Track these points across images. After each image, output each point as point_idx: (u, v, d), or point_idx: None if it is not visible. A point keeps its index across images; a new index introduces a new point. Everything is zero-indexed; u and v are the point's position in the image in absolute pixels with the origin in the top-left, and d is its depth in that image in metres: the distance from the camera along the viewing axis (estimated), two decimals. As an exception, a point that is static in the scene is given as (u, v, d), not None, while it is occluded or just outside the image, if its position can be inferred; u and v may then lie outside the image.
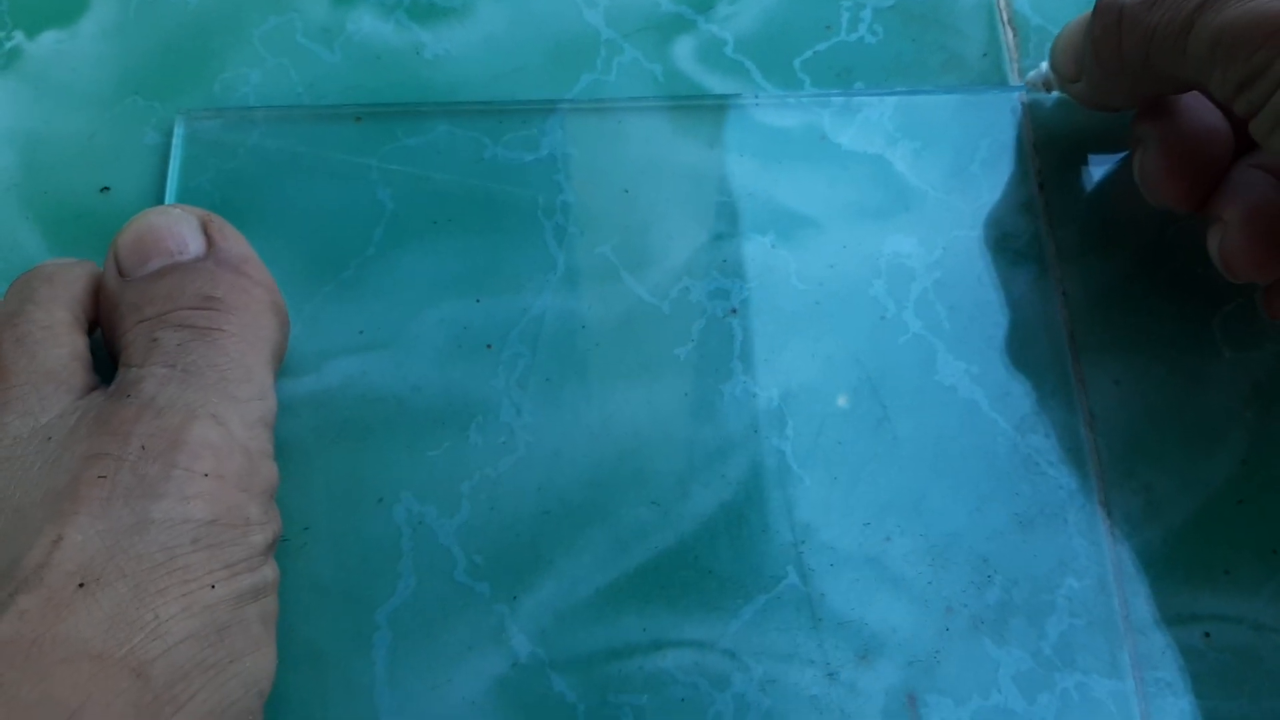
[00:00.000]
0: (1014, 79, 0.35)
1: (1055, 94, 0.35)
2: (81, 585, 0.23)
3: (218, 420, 0.26)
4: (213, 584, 0.24)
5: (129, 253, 0.29)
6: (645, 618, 0.29)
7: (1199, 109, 0.30)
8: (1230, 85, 0.26)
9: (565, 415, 0.31)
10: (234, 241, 0.30)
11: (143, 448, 0.25)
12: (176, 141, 0.34)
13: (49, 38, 0.36)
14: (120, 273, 0.28)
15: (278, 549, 0.28)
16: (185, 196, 0.33)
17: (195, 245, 0.29)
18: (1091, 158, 0.34)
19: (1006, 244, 0.33)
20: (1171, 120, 0.30)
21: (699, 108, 0.35)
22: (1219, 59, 0.25)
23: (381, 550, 0.29)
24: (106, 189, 0.33)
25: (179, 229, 0.29)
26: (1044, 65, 0.34)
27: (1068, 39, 0.32)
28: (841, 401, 0.31)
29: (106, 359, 0.29)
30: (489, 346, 0.32)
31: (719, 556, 0.29)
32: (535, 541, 0.29)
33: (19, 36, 0.36)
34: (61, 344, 0.28)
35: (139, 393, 0.26)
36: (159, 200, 0.33)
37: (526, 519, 0.30)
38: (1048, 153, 0.34)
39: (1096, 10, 0.29)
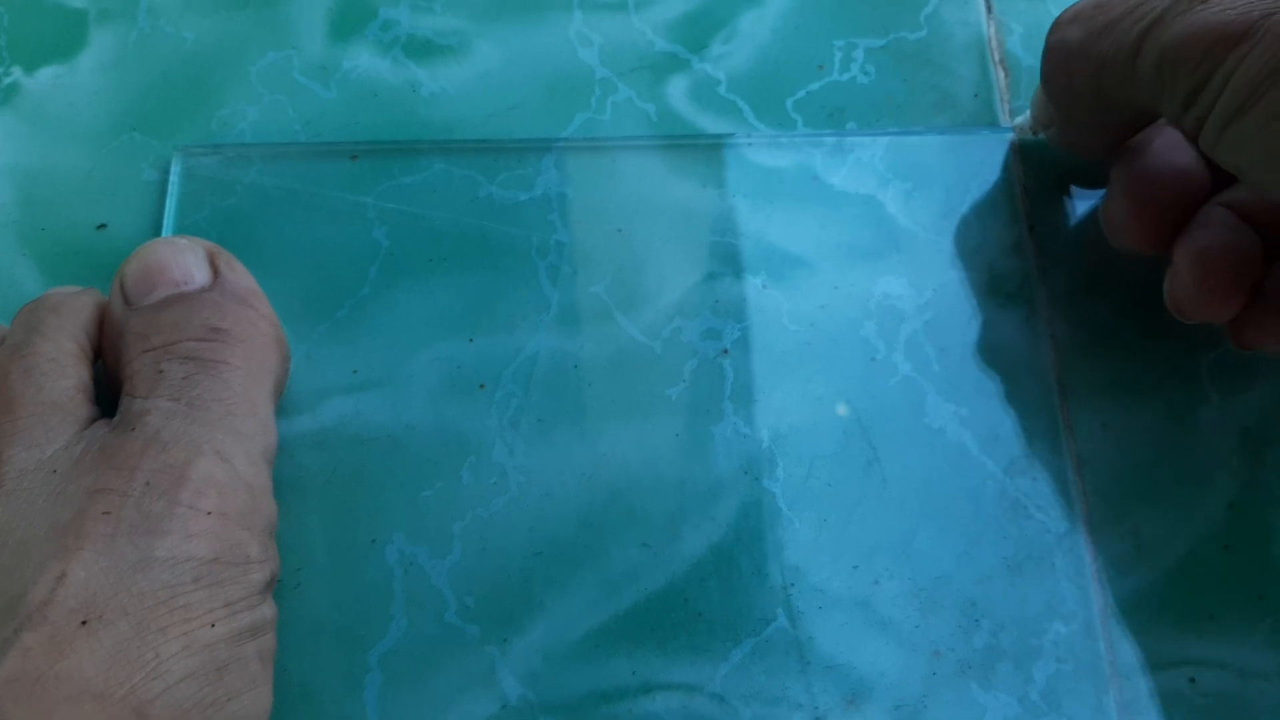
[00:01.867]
0: (1005, 119, 0.36)
1: (1042, 136, 0.35)
2: (84, 623, 0.23)
3: (222, 456, 0.26)
4: (213, 622, 0.25)
5: (135, 281, 0.29)
6: (635, 660, 0.29)
7: (1169, 150, 0.31)
8: (1177, 103, 0.26)
9: (557, 455, 0.31)
10: (240, 274, 0.30)
11: (147, 483, 0.25)
12: (174, 178, 0.34)
13: (47, 73, 0.36)
14: (126, 301, 0.29)
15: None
16: (182, 233, 0.33)
17: (201, 276, 0.29)
18: (1081, 200, 0.35)
19: (996, 286, 0.33)
20: (1135, 162, 0.31)
21: (692, 147, 0.35)
22: (1165, 78, 0.26)
23: (374, 591, 0.29)
24: (103, 226, 0.34)
25: (185, 259, 0.29)
26: (1029, 112, 0.34)
27: (1039, 87, 0.33)
28: (833, 439, 0.31)
29: (104, 386, 0.29)
30: (482, 386, 0.32)
31: (709, 598, 0.30)
32: (526, 583, 0.30)
33: (17, 72, 0.36)
34: (67, 375, 0.28)
35: (144, 426, 0.26)
36: (156, 237, 0.33)
37: (518, 560, 0.30)
38: (1038, 194, 0.35)
39: (1045, 48, 0.30)
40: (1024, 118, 0.35)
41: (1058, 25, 0.29)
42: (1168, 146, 0.31)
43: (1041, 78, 0.30)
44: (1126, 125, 0.30)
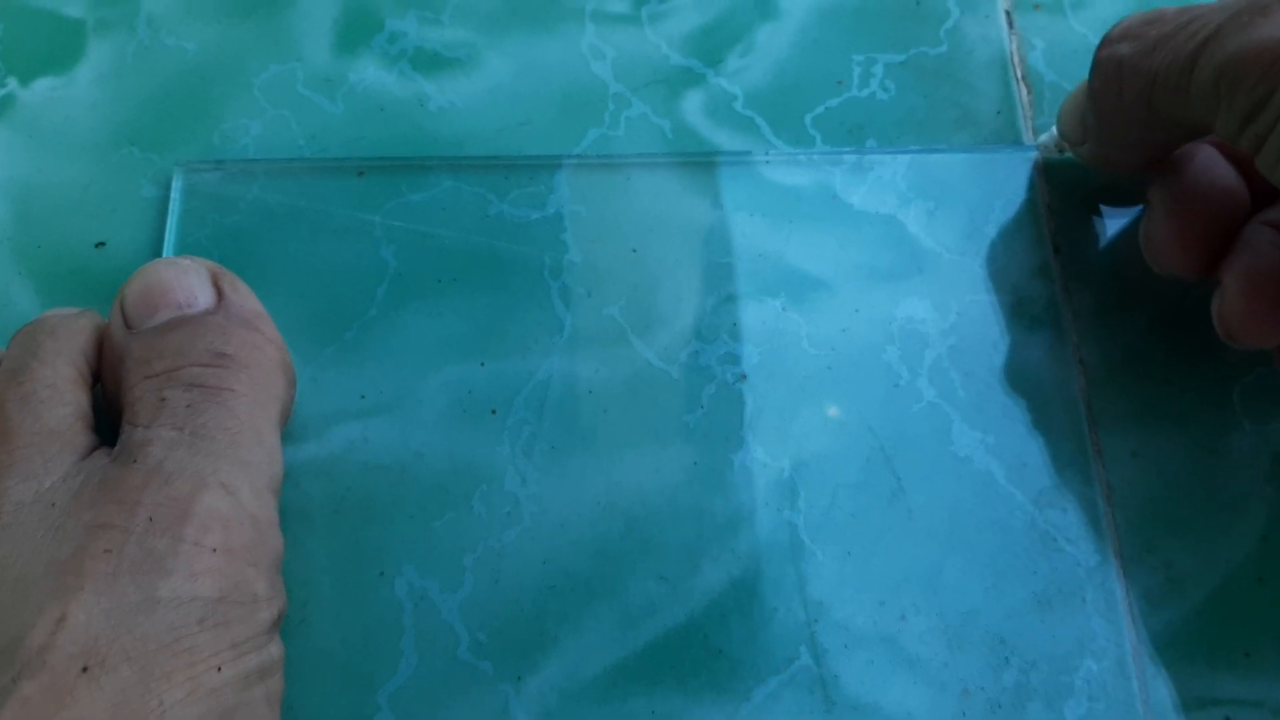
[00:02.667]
0: (1028, 137, 0.35)
1: (1069, 154, 0.34)
2: (85, 669, 0.22)
3: (227, 489, 0.25)
4: (219, 666, 0.24)
5: (136, 303, 0.28)
6: (654, 700, 0.28)
7: (1210, 168, 0.30)
8: (1235, 120, 0.25)
9: (571, 484, 0.30)
10: (245, 296, 0.29)
11: (150, 519, 0.24)
12: (175, 195, 0.33)
13: (43, 85, 0.35)
14: (126, 324, 0.28)
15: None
16: (183, 252, 0.32)
17: (205, 298, 0.28)
18: (1107, 220, 0.34)
19: (1022, 309, 0.32)
20: (1178, 182, 0.30)
21: (709, 165, 0.34)
22: (1223, 93, 0.25)
23: (383, 626, 0.28)
24: (102, 244, 0.33)
25: (188, 280, 0.28)
26: (1054, 129, 0.34)
27: (1071, 102, 0.32)
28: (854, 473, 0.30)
29: (103, 411, 0.28)
30: (494, 412, 0.31)
31: (730, 635, 0.29)
32: (540, 617, 0.29)
33: (13, 83, 0.35)
34: (66, 402, 0.27)
35: (146, 457, 0.25)
36: (156, 256, 0.32)
37: (531, 594, 0.29)
38: (1063, 214, 0.34)
39: (1095, 64, 0.29)
40: (1049, 135, 0.34)
41: (1108, 41, 0.28)
42: (1208, 164, 0.30)
43: (1089, 94, 0.30)
44: (1171, 142, 0.29)
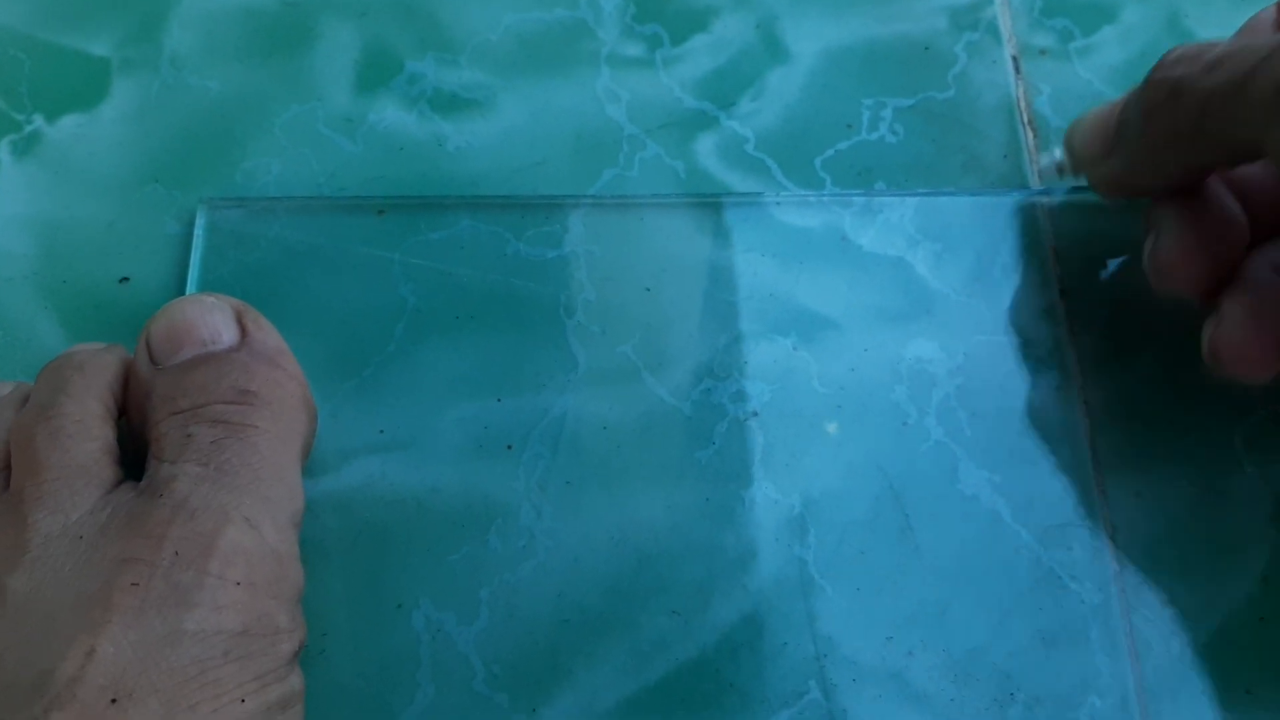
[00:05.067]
0: (1035, 181, 0.36)
1: (1068, 191, 0.35)
2: (114, 701, 0.23)
3: (250, 524, 0.26)
4: (243, 697, 0.24)
5: (161, 340, 0.28)
6: (666, 733, 0.28)
7: (1221, 195, 0.31)
8: None
9: (585, 519, 0.31)
10: (268, 333, 0.29)
11: (176, 553, 0.25)
12: (198, 232, 0.34)
13: (69, 122, 0.36)
14: (152, 360, 0.28)
15: (297, 656, 0.28)
16: (206, 288, 0.33)
17: (229, 335, 0.29)
18: (1113, 263, 0.34)
19: (1028, 350, 0.33)
20: (1193, 201, 0.30)
21: (721, 205, 0.35)
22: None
23: (400, 658, 0.29)
24: (126, 279, 0.33)
25: (213, 318, 0.29)
26: (1057, 151, 0.34)
27: (1094, 120, 0.32)
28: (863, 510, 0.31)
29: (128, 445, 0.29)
30: (509, 447, 0.31)
31: (741, 669, 0.29)
32: (554, 651, 0.29)
33: (39, 120, 0.36)
34: (93, 437, 0.27)
35: (171, 493, 0.26)
36: (180, 292, 0.33)
37: (545, 627, 0.29)
38: (1069, 257, 0.34)
39: (1147, 84, 0.29)
40: (1049, 157, 0.34)
41: (1163, 65, 0.29)
42: (1219, 192, 0.30)
43: (1138, 116, 0.30)
44: (1207, 168, 0.30)
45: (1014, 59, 0.38)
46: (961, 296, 0.34)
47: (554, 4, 0.38)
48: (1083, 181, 0.34)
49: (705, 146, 0.36)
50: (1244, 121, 0.27)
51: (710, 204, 0.35)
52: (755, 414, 0.32)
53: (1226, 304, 0.29)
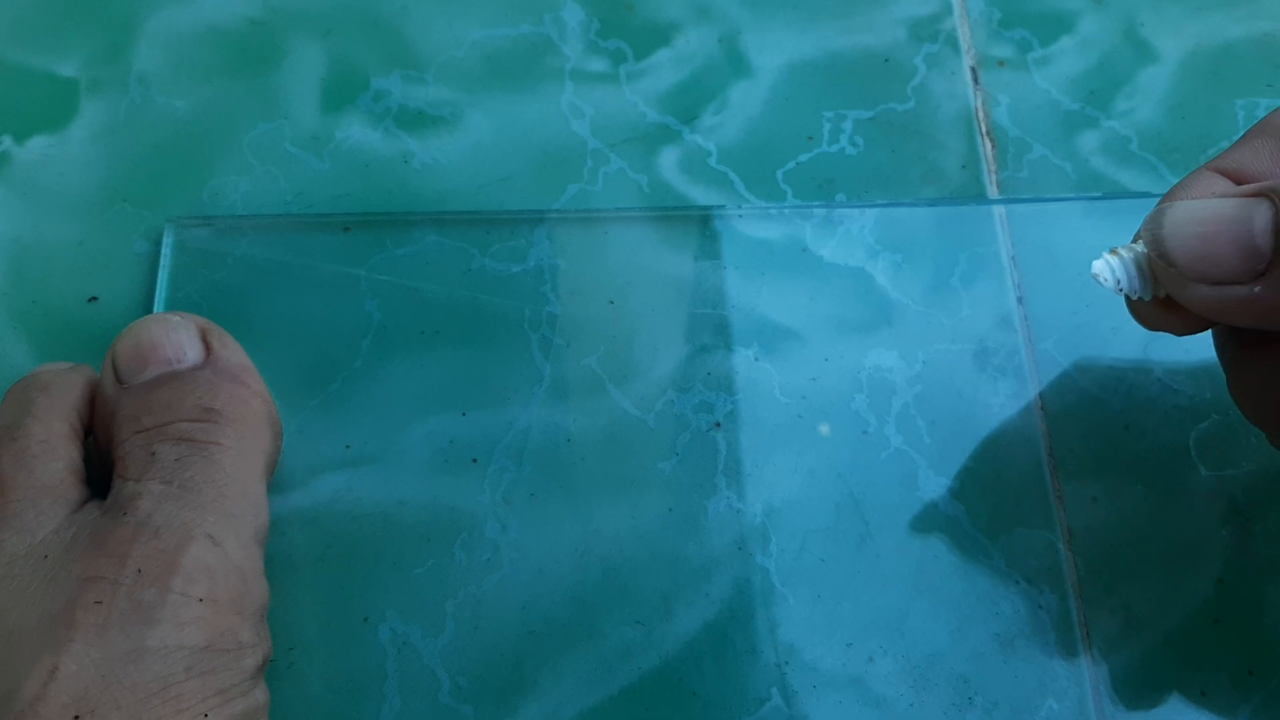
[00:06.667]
0: (992, 191, 0.36)
1: (1126, 293, 0.27)
2: (77, 718, 0.23)
3: (214, 540, 0.26)
4: (206, 712, 0.24)
5: (127, 360, 0.29)
6: (630, 742, 0.29)
7: None
8: None
9: (550, 531, 0.31)
10: (233, 350, 0.30)
11: (139, 571, 0.25)
12: (166, 250, 0.34)
13: (38, 143, 0.36)
14: (118, 379, 0.29)
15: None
16: (174, 307, 0.33)
17: (194, 353, 0.29)
18: (1069, 272, 0.35)
19: (986, 358, 0.34)
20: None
21: (684, 219, 0.35)
22: None
23: (366, 671, 0.29)
24: (94, 299, 0.33)
25: (177, 337, 0.29)
26: (1125, 254, 0.27)
27: (1218, 222, 0.25)
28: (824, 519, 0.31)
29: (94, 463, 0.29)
30: (475, 461, 0.32)
31: (704, 677, 0.30)
32: (519, 662, 0.30)
33: (7, 141, 0.36)
34: (58, 457, 0.28)
35: (135, 511, 0.26)
36: (148, 311, 0.33)
37: (510, 639, 0.30)
38: (1026, 266, 0.35)
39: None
40: (1112, 270, 0.27)
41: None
42: None
43: None
44: None
45: (973, 70, 0.38)
46: (920, 306, 0.34)
47: (519, 20, 0.38)
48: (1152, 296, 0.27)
49: (668, 160, 0.36)
50: None
51: (673, 217, 0.35)
52: (718, 425, 0.33)
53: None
